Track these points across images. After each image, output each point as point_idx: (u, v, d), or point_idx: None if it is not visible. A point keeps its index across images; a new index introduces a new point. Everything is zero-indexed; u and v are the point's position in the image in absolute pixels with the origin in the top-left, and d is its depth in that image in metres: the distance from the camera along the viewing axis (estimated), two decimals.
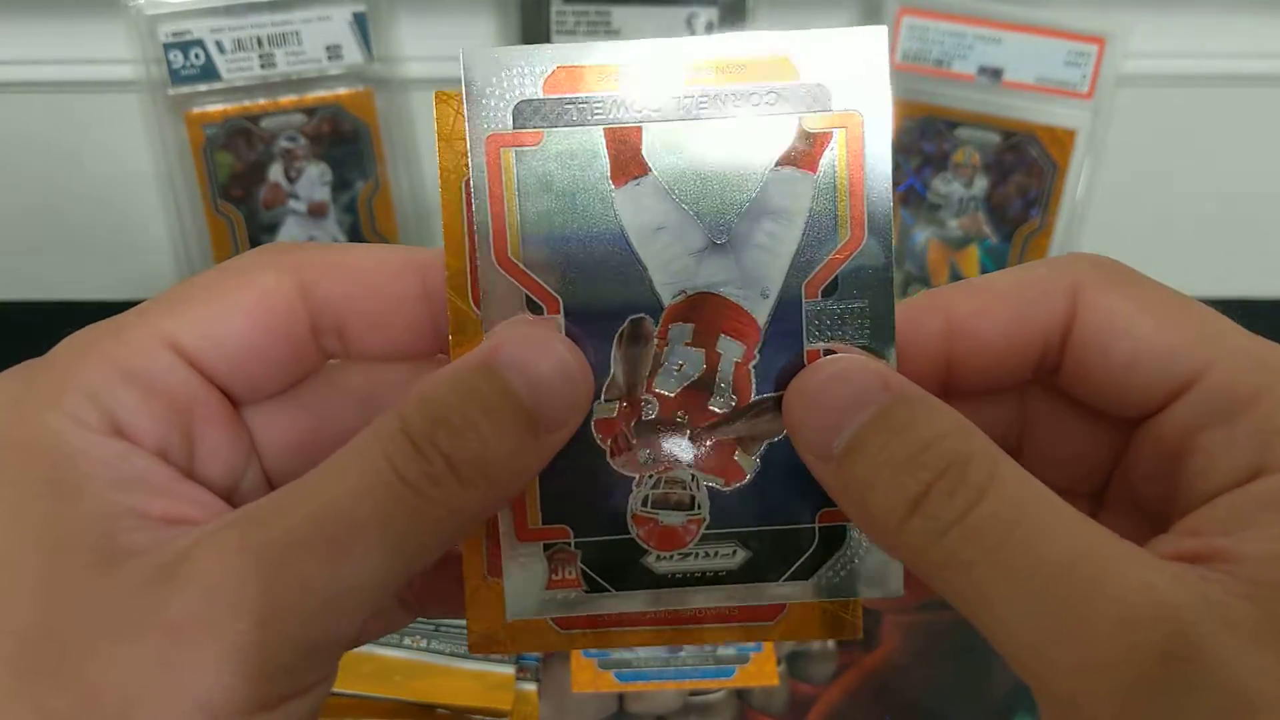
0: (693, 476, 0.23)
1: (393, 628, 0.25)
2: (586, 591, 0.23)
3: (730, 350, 0.23)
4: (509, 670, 0.50)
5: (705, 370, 0.23)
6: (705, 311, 0.23)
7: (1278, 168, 0.73)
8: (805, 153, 0.23)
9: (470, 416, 0.19)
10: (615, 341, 0.22)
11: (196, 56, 0.60)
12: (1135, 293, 0.21)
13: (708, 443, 0.23)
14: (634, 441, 0.22)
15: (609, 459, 0.23)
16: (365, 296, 0.22)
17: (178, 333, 0.21)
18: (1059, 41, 0.61)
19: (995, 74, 0.63)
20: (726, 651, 0.52)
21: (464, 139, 0.22)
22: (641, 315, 0.22)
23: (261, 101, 0.62)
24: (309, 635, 0.18)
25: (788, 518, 0.23)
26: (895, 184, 0.65)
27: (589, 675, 0.51)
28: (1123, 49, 0.61)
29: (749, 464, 0.23)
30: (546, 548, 0.23)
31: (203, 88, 0.60)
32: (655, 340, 0.22)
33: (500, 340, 0.20)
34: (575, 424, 0.21)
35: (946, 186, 0.65)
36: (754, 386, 0.23)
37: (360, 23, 0.61)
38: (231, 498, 0.22)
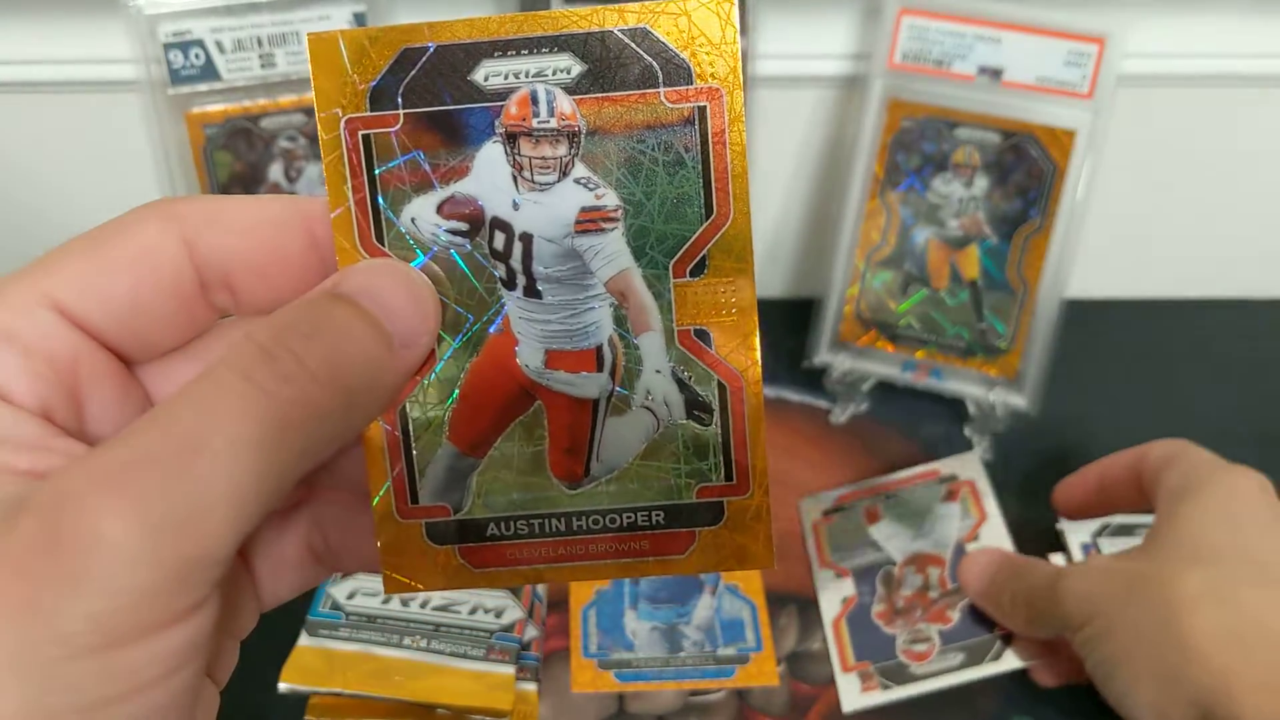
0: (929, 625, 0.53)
1: (307, 583, 0.24)
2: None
3: (933, 573, 0.55)
4: (509, 670, 0.50)
5: (923, 582, 0.55)
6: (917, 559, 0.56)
7: (1277, 168, 0.73)
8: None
9: (320, 323, 0.20)
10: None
11: (196, 56, 0.60)
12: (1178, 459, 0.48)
13: (932, 609, 0.54)
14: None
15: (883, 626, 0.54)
16: (251, 249, 0.22)
17: (58, 292, 0.20)
18: (1059, 41, 0.61)
19: (995, 74, 0.63)
20: (726, 652, 0.52)
21: (344, 79, 0.23)
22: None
23: (261, 101, 0.62)
24: (164, 554, 0.17)
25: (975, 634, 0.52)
26: (895, 184, 0.65)
27: (589, 675, 0.51)
28: (1123, 49, 0.61)
29: (954, 615, 0.53)
30: None
31: (203, 88, 0.60)
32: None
33: (343, 271, 0.21)
34: (427, 343, 0.22)
35: (946, 186, 0.65)
36: (949, 583, 0.54)
37: (360, 22, 0.61)
38: None
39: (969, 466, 0.61)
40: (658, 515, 0.25)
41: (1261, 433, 0.68)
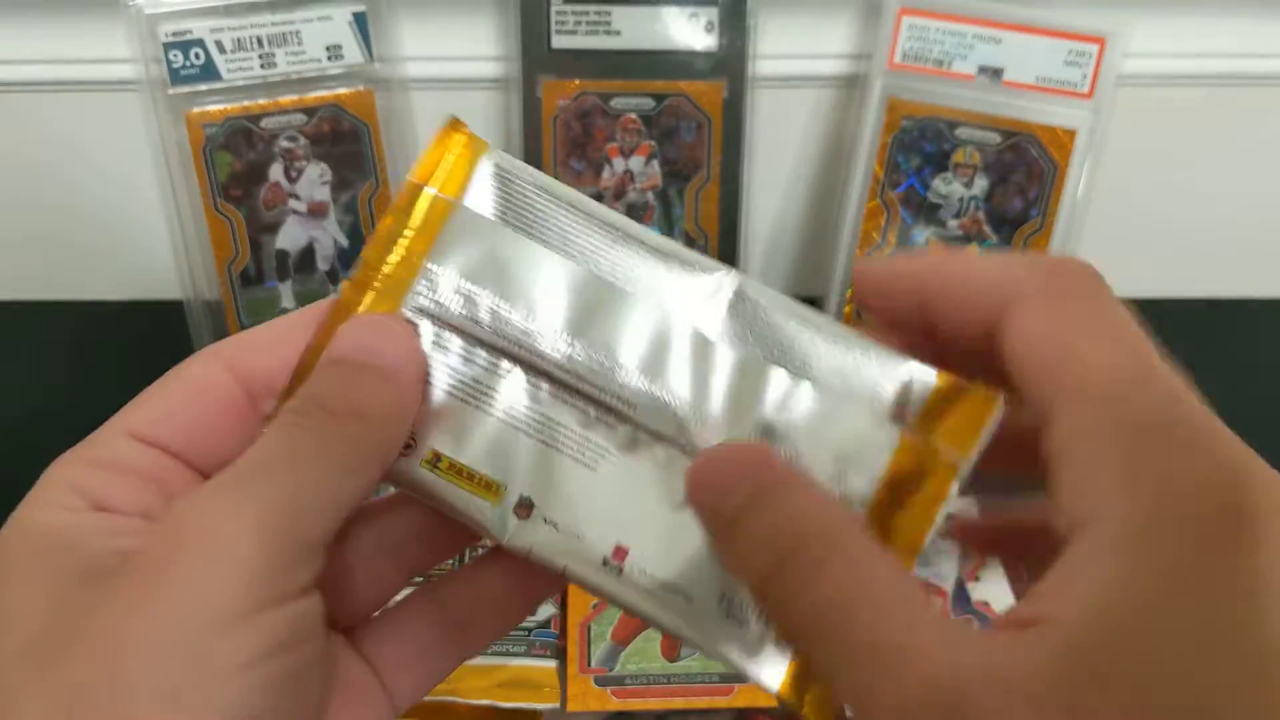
0: None
1: (386, 594, 0.29)
2: None
3: (935, 603, 0.39)
4: (551, 664, 0.50)
5: None
6: None
7: (1278, 168, 0.73)
8: None
9: (327, 381, 0.25)
10: None
11: (196, 56, 0.60)
12: (1066, 310, 0.22)
13: None
14: None
15: None
16: (280, 359, 0.27)
17: (133, 424, 0.25)
18: (1059, 41, 0.61)
19: (995, 74, 0.63)
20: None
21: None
22: None
23: (262, 101, 0.61)
24: (269, 538, 0.22)
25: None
26: (895, 184, 0.65)
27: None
28: (1123, 49, 0.61)
29: None
30: None
31: (203, 87, 0.60)
32: None
33: (340, 331, 0.26)
34: (416, 367, 0.26)
35: (946, 186, 0.65)
36: (951, 615, 0.44)
37: (360, 22, 0.61)
38: None
39: (965, 513, 0.62)
40: (716, 676, 0.48)
41: (1262, 434, 0.68)
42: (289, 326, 0.27)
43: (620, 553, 0.25)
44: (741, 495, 0.22)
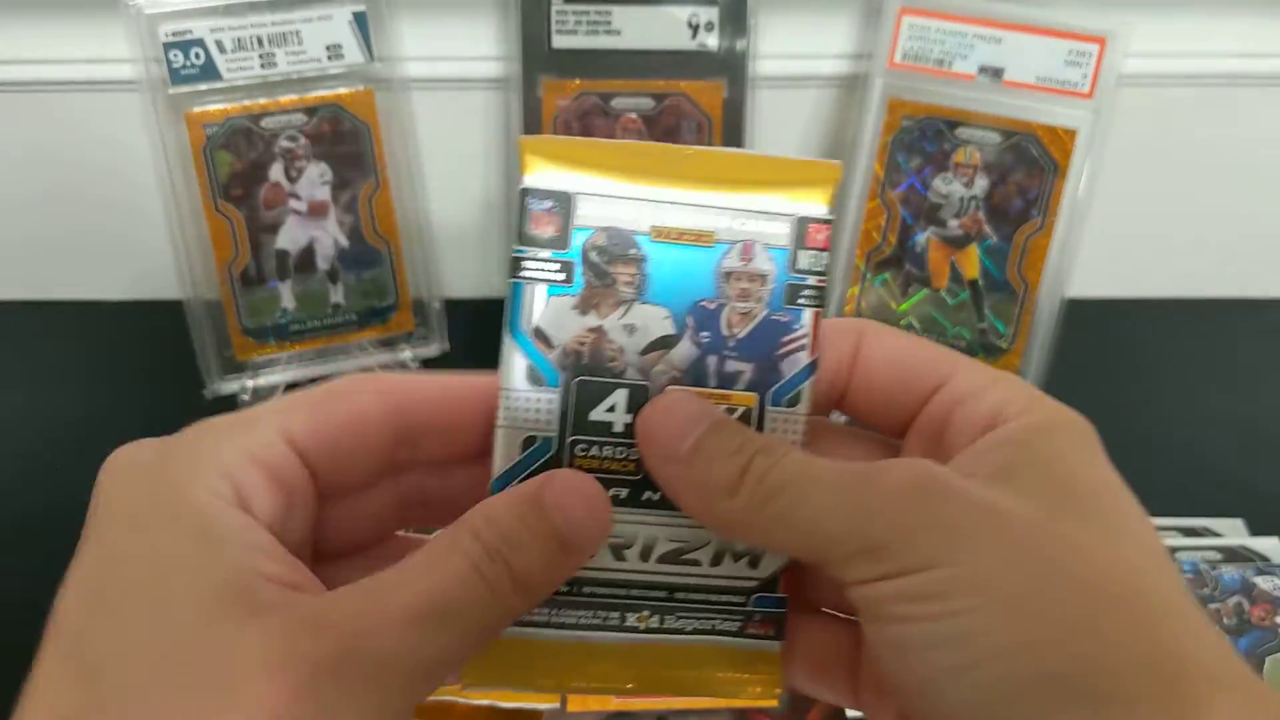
0: None
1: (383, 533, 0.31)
2: None
3: None
4: (774, 646, 0.30)
5: None
6: None
7: (1278, 167, 0.73)
8: None
9: (525, 539, 0.25)
10: None
11: (197, 56, 0.60)
12: (896, 333, 0.30)
13: None
14: None
15: None
16: (443, 419, 0.28)
17: (290, 426, 0.26)
18: (1060, 41, 0.61)
19: (996, 73, 0.63)
20: None
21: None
22: None
23: (262, 101, 0.61)
24: (414, 690, 0.24)
25: None
26: (895, 184, 0.65)
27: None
28: (1123, 49, 0.61)
29: None
30: None
31: (203, 87, 0.60)
32: None
33: (547, 481, 0.26)
34: (596, 549, 0.27)
35: (947, 186, 0.65)
36: None
37: (360, 22, 0.61)
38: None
39: None
40: None
41: (1262, 434, 0.68)
42: (455, 392, 0.28)
43: None
44: (703, 427, 0.27)
